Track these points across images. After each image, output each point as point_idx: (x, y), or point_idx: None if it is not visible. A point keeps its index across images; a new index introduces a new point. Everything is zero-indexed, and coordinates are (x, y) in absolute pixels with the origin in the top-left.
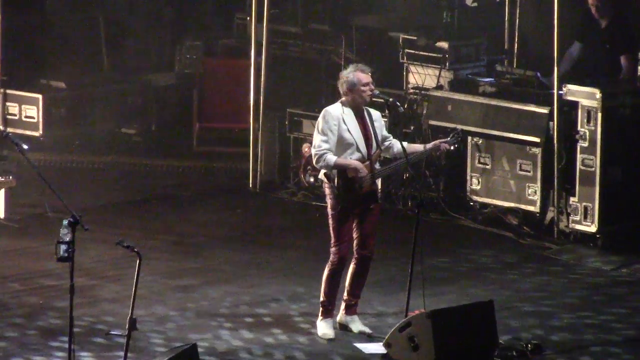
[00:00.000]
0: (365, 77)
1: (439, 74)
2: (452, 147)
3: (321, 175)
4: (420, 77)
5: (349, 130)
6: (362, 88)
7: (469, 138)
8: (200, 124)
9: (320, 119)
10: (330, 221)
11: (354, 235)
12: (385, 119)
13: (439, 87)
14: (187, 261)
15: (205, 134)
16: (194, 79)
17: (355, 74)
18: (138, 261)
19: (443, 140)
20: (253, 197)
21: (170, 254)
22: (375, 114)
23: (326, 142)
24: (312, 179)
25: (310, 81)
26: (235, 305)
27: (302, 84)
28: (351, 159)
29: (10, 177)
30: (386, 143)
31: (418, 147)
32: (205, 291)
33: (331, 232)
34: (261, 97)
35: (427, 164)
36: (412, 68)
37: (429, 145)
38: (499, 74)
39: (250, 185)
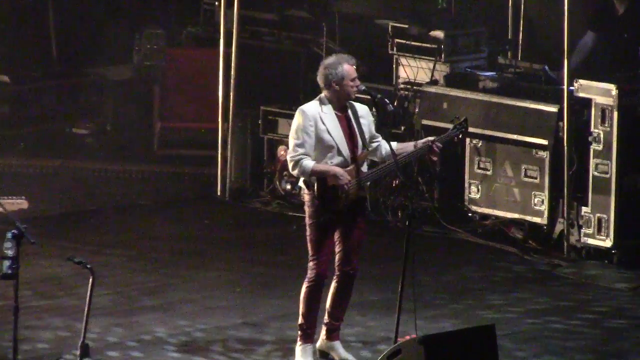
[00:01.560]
0: (353, 71)
1: (433, 67)
2: (455, 139)
3: (300, 182)
4: (412, 70)
5: (328, 131)
6: (350, 83)
7: (467, 140)
8: (162, 123)
9: (294, 120)
10: (308, 231)
11: (336, 249)
12: (372, 118)
13: (433, 82)
14: (147, 279)
15: (167, 134)
16: (155, 72)
17: (343, 67)
18: (91, 279)
19: (437, 138)
20: (222, 207)
21: (128, 271)
22: (362, 109)
23: (302, 145)
24: (288, 186)
25: (287, 75)
26: (201, 330)
27: (277, 78)
28: (331, 164)
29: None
30: (374, 144)
31: (409, 145)
32: (168, 313)
33: (308, 244)
34: (231, 93)
35: (420, 170)
36: (402, 60)
37: (420, 143)
38: (501, 68)
39: (219, 193)
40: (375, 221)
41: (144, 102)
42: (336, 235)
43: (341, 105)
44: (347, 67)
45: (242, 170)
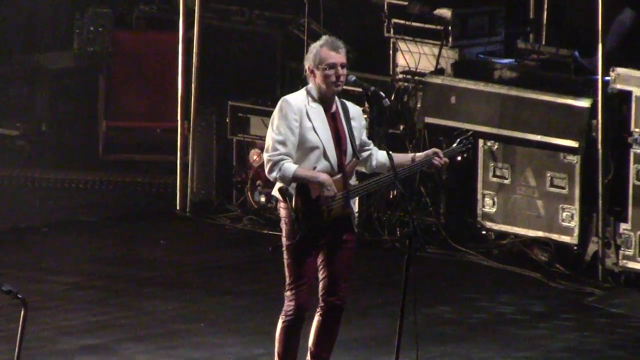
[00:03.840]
0: (332, 56)
1: (439, 53)
2: (459, 158)
3: (275, 192)
4: (413, 57)
5: (314, 129)
6: (326, 72)
7: (481, 142)
8: (108, 122)
9: (276, 112)
10: (285, 255)
11: (320, 275)
12: (366, 116)
13: (438, 72)
14: (91, 313)
15: (115, 136)
16: (100, 61)
17: (319, 50)
18: (23, 311)
19: (439, 152)
20: (182, 224)
21: (69, 302)
22: (354, 110)
23: (283, 143)
24: (262, 198)
25: (261, 63)
26: None
27: (249, 68)
28: (316, 170)
29: None
30: (364, 153)
31: (406, 158)
32: (118, 352)
33: (286, 269)
34: (192, 85)
35: (422, 178)
36: (401, 45)
37: (419, 156)
38: (521, 54)
39: (178, 207)
40: (369, 241)
41: (87, 97)
42: (319, 259)
43: (327, 100)
44: (324, 51)
45: (206, 179)
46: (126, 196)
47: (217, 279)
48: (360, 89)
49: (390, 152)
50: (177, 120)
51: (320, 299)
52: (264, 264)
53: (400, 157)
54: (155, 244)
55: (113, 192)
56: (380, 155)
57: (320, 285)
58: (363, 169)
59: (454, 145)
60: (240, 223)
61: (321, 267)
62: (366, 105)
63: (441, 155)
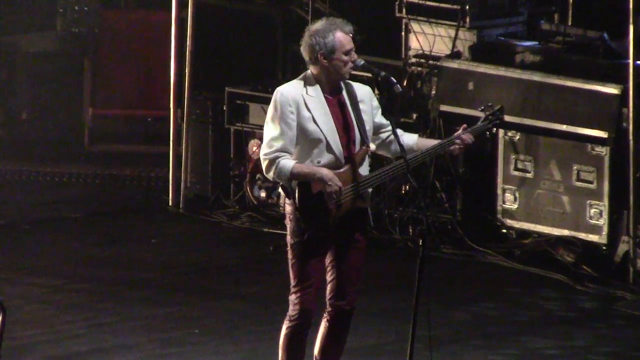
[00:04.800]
0: (348, 41)
1: (455, 35)
2: (487, 134)
3: (280, 189)
4: (427, 39)
5: (314, 120)
6: (344, 57)
7: (501, 132)
8: (95, 110)
9: (270, 106)
10: (290, 255)
11: (327, 277)
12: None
13: (455, 55)
14: (77, 318)
15: (102, 125)
16: (85, 43)
17: (335, 36)
18: (1, 316)
19: (461, 131)
20: (175, 221)
21: (52, 306)
22: (362, 91)
23: (279, 139)
24: (263, 194)
25: (261, 46)
26: None
27: (248, 51)
28: (317, 165)
29: None
30: (382, 135)
31: (430, 143)
32: None
33: (290, 270)
34: (186, 70)
35: (437, 172)
36: (414, 26)
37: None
38: (545, 36)
39: (170, 203)
40: (379, 240)
41: (71, 82)
42: (327, 259)
43: (332, 86)
44: (340, 36)
45: (201, 172)
46: (114, 191)
47: (213, 281)
48: (369, 74)
49: (412, 135)
50: (169, 108)
51: (328, 303)
52: (264, 264)
53: (426, 142)
54: (146, 243)
55: (99, 187)
56: (407, 138)
57: (328, 288)
58: (387, 154)
59: (480, 120)
60: (238, 220)
61: (329, 268)
62: (376, 91)
63: (465, 137)
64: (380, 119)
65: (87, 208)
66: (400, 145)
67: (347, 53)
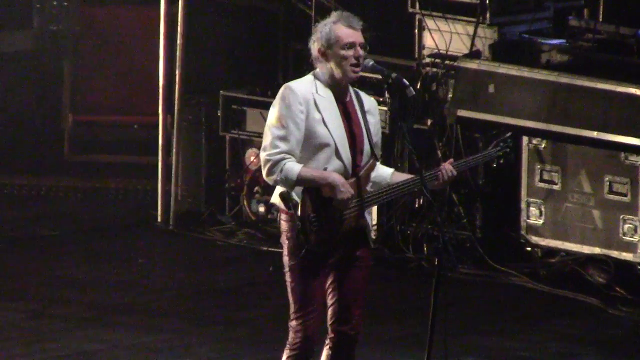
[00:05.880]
0: (350, 34)
1: (474, 32)
2: (494, 163)
3: (275, 198)
4: (443, 37)
5: (324, 122)
6: (343, 52)
7: (525, 140)
8: (75, 116)
9: (277, 102)
10: (289, 277)
11: (329, 300)
12: (386, 109)
13: (473, 55)
14: (57, 345)
15: (83, 133)
16: (65, 42)
17: (333, 26)
18: None
19: (455, 163)
20: (164, 239)
21: (30, 333)
22: (369, 102)
23: (285, 139)
24: (261, 208)
25: (260, 45)
26: None
27: (245, 50)
28: (326, 170)
29: None
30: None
31: (404, 177)
32: None
33: (289, 294)
34: (177, 72)
35: (454, 184)
36: (428, 22)
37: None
38: (574, 33)
39: (159, 219)
40: (390, 259)
41: (49, 85)
42: (328, 281)
43: (337, 89)
44: (340, 28)
45: (193, 185)
46: (96, 206)
47: (207, 306)
48: (379, 76)
49: (387, 170)
50: (158, 114)
51: (330, 328)
52: (263, 287)
53: (401, 177)
54: (132, 264)
55: (81, 201)
56: (382, 170)
57: (330, 312)
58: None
59: (490, 148)
60: (234, 238)
61: (330, 290)
62: (386, 95)
63: (448, 168)
64: (378, 139)
65: (67, 225)
66: (421, 161)
67: (347, 47)
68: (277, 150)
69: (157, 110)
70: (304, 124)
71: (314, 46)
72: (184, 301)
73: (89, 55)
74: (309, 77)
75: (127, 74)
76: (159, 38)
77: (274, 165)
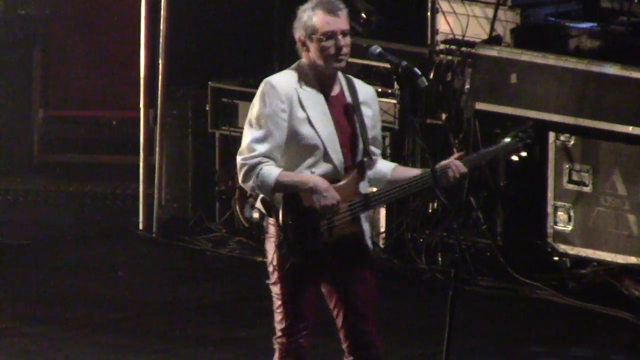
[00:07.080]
0: (329, 21)
1: (494, 15)
2: (516, 157)
3: (259, 204)
4: (460, 21)
5: (309, 121)
6: (322, 43)
7: (551, 136)
8: (46, 111)
9: (256, 100)
10: (277, 290)
11: (337, 322)
12: (395, 101)
13: (493, 40)
14: None
15: (56, 130)
16: (34, 28)
17: (312, 13)
18: None
19: (468, 157)
20: (146, 248)
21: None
22: (365, 91)
23: (264, 140)
24: (255, 214)
25: (252, 31)
26: None
27: (236, 37)
28: (310, 173)
29: None
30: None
31: (410, 173)
32: None
33: (277, 311)
34: (160, 62)
35: (472, 185)
36: (443, 4)
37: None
38: (606, 16)
39: (141, 226)
40: (401, 270)
41: (17, 77)
42: (331, 302)
43: (323, 81)
44: (318, 15)
45: (179, 188)
46: (71, 212)
47: (195, 323)
48: (387, 65)
49: (388, 164)
50: (139, 108)
51: (346, 351)
52: (257, 302)
53: (406, 173)
54: (111, 276)
55: (53, 207)
56: (383, 165)
57: (341, 335)
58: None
59: (506, 139)
60: (225, 248)
61: (336, 310)
62: (395, 86)
63: (458, 164)
64: (377, 133)
65: (38, 233)
66: (433, 157)
67: (328, 36)
68: (254, 153)
69: (138, 104)
70: (286, 124)
71: (296, 34)
72: (169, 318)
73: (62, 43)
74: (290, 71)
75: (104, 64)
76: (139, 23)
77: (250, 170)
